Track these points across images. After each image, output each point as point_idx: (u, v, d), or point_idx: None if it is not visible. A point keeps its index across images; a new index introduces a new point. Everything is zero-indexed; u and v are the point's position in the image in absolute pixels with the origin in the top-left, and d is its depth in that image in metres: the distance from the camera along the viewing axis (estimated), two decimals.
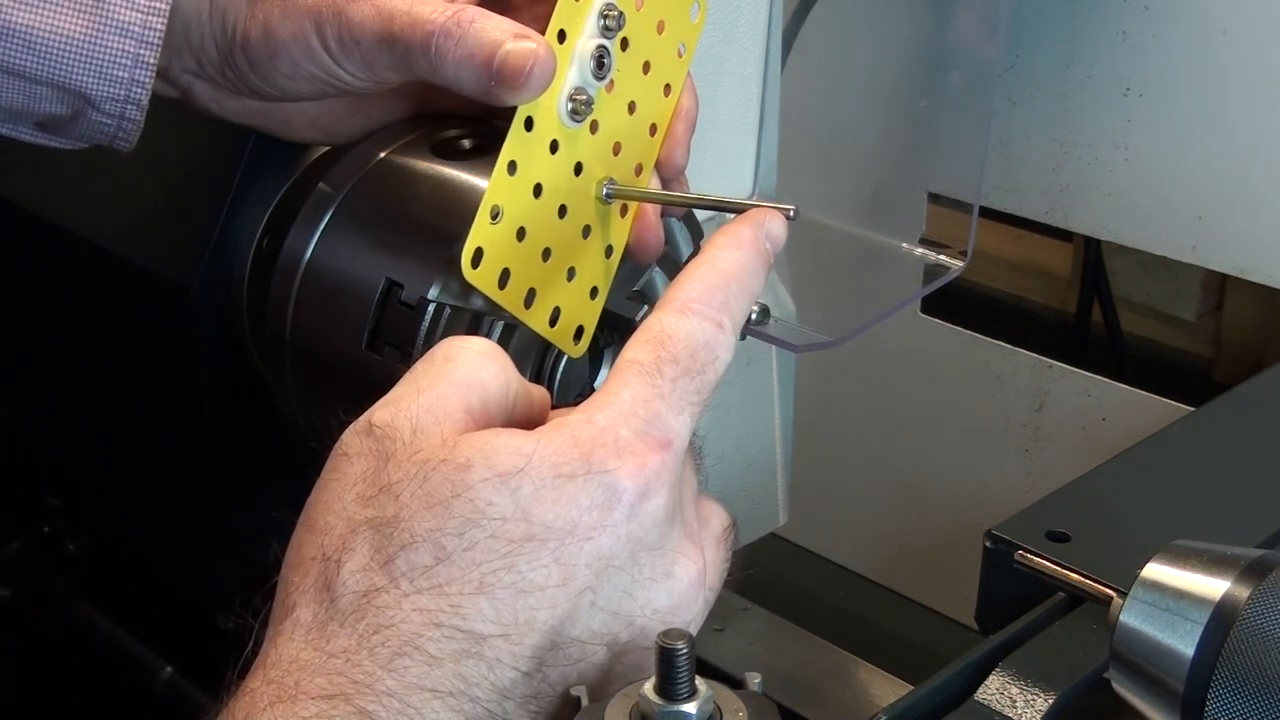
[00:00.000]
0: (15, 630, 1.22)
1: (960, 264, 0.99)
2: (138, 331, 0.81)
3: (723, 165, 0.84)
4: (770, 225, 0.57)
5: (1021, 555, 0.68)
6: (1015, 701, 0.60)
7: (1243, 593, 0.49)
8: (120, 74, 0.62)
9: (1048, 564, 0.66)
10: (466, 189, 0.65)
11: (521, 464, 0.48)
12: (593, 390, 0.61)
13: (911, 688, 0.62)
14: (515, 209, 0.59)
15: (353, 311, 0.64)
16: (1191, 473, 0.79)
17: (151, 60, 0.63)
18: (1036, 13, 1.13)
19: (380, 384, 0.52)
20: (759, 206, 0.58)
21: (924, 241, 1.02)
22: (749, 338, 0.81)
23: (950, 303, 1.26)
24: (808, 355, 0.86)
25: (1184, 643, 0.49)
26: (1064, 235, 1.44)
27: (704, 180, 0.76)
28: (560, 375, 0.65)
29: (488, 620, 0.46)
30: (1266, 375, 0.96)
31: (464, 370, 0.51)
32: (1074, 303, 1.40)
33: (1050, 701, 0.59)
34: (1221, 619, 0.48)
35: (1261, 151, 1.05)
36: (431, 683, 0.46)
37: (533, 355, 0.65)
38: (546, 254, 0.61)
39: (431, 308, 0.61)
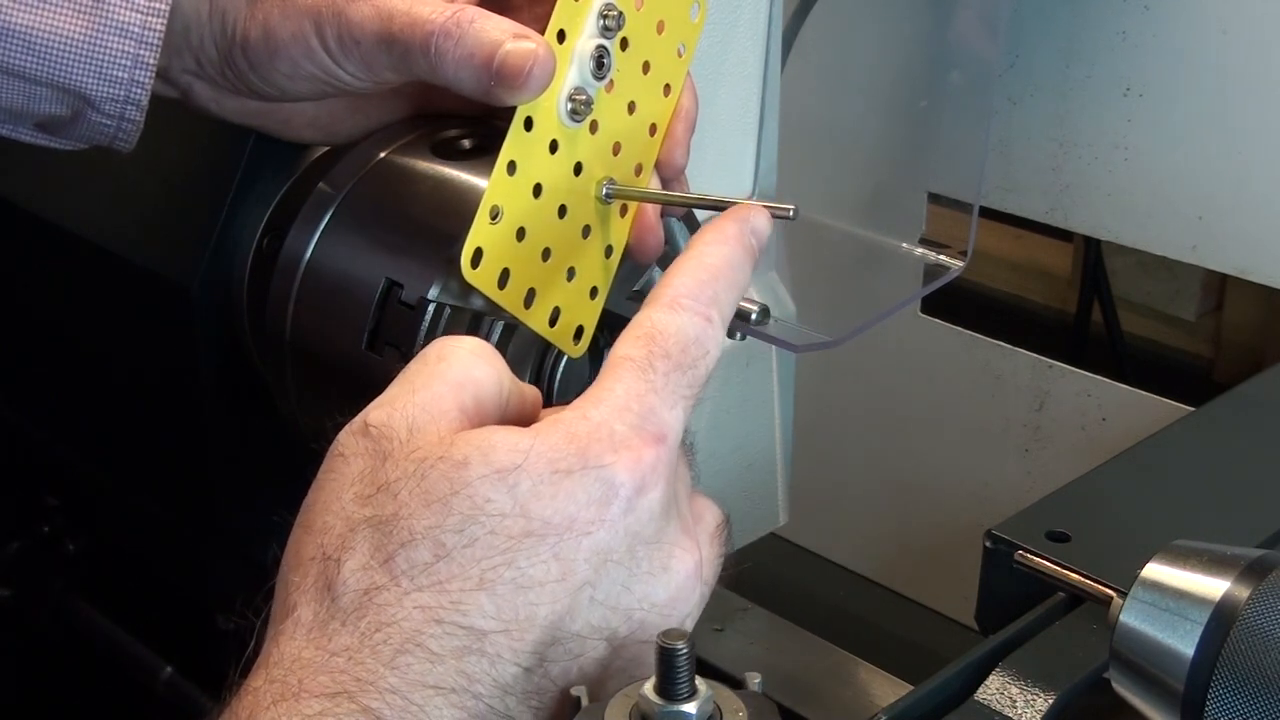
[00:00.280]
0: (15, 630, 1.22)
1: (960, 264, 0.98)
2: (138, 331, 0.81)
3: (723, 165, 0.83)
4: (755, 220, 0.58)
5: (1021, 555, 0.68)
6: (1015, 701, 0.60)
7: (1243, 593, 0.49)
8: (120, 74, 0.62)
9: (1048, 564, 0.66)
10: (466, 189, 0.65)
11: (519, 460, 0.48)
12: None
13: (911, 688, 0.62)
14: (515, 209, 0.59)
15: (353, 311, 0.64)
16: (1191, 473, 0.79)
17: (151, 61, 0.63)
18: (1036, 13, 1.13)
19: (380, 384, 0.52)
20: (756, 206, 0.58)
21: (924, 241, 1.02)
22: (749, 338, 0.81)
23: (950, 303, 1.26)
24: (808, 355, 0.86)
25: (1184, 643, 0.49)
26: (1064, 235, 1.44)
27: (704, 180, 0.76)
28: (560, 375, 0.65)
29: (489, 616, 0.46)
30: (1266, 375, 0.96)
31: (457, 369, 0.51)
32: (1074, 303, 1.40)
33: (1050, 701, 0.59)
34: (1221, 619, 0.48)
35: (1261, 151, 1.05)
36: (434, 679, 0.46)
37: (533, 355, 0.65)
38: (546, 254, 0.61)
39: (431, 308, 0.61)
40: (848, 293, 1.04)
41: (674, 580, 0.50)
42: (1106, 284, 1.35)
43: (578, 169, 0.62)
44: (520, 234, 0.59)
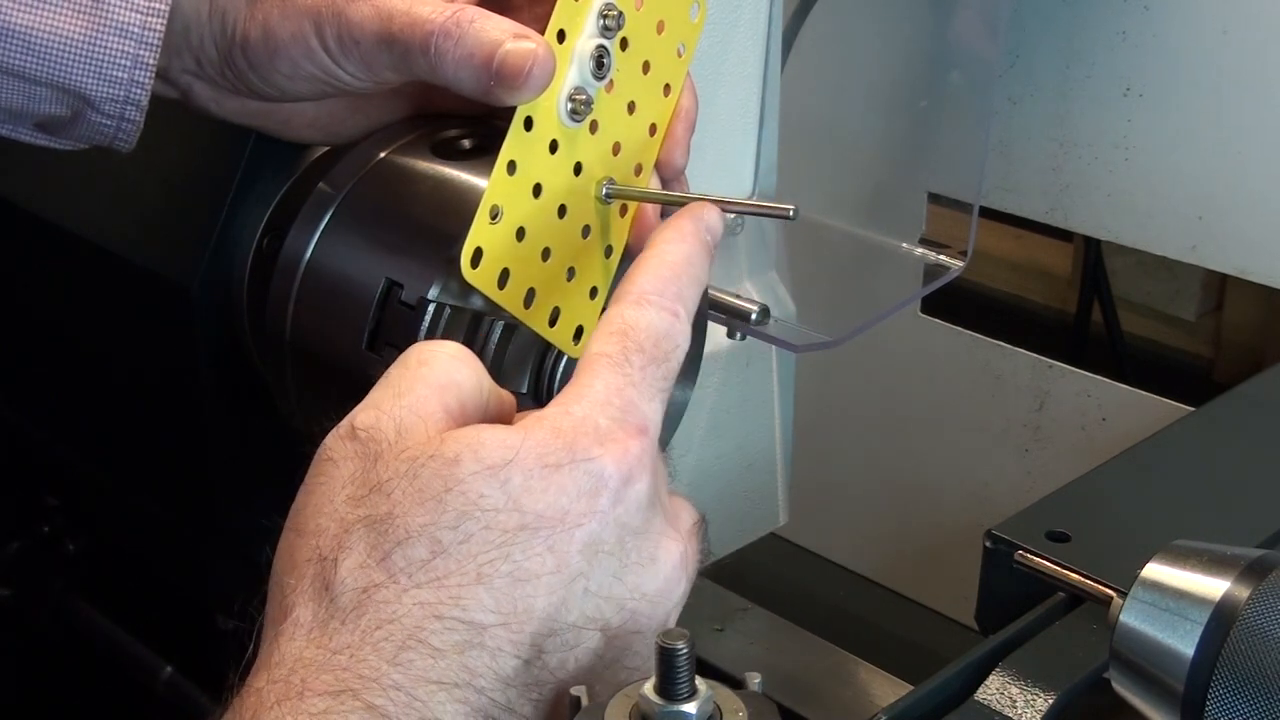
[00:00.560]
0: (15, 630, 1.22)
1: (960, 264, 0.99)
2: (138, 331, 0.81)
3: (723, 165, 0.83)
4: (708, 217, 0.59)
5: (1021, 555, 0.68)
6: (1015, 701, 0.60)
7: (1243, 593, 0.49)
8: (120, 75, 0.62)
9: (1048, 564, 0.66)
10: (466, 189, 0.65)
11: (509, 456, 0.48)
12: None
13: (911, 688, 0.62)
14: (515, 209, 0.59)
15: (353, 311, 0.64)
16: (1191, 473, 0.79)
17: (151, 61, 0.63)
18: (1036, 13, 1.13)
19: None
20: (757, 205, 0.59)
21: (924, 241, 1.02)
22: (749, 338, 0.81)
23: (950, 303, 1.26)
24: (808, 355, 0.86)
25: (1184, 643, 0.49)
26: (1064, 235, 1.44)
27: (704, 180, 0.76)
28: (560, 375, 0.65)
29: (487, 610, 0.47)
30: (1266, 375, 0.96)
31: (439, 373, 0.52)
32: (1074, 303, 1.40)
33: (1050, 701, 0.60)
34: (1221, 619, 0.48)
35: (1261, 151, 1.05)
36: (437, 675, 0.46)
37: (533, 355, 0.65)
38: (546, 254, 0.61)
39: (431, 308, 0.61)
40: (848, 293, 1.04)
41: (661, 571, 0.50)
42: (1106, 284, 1.35)
43: (578, 169, 0.62)
44: (520, 234, 0.59)
